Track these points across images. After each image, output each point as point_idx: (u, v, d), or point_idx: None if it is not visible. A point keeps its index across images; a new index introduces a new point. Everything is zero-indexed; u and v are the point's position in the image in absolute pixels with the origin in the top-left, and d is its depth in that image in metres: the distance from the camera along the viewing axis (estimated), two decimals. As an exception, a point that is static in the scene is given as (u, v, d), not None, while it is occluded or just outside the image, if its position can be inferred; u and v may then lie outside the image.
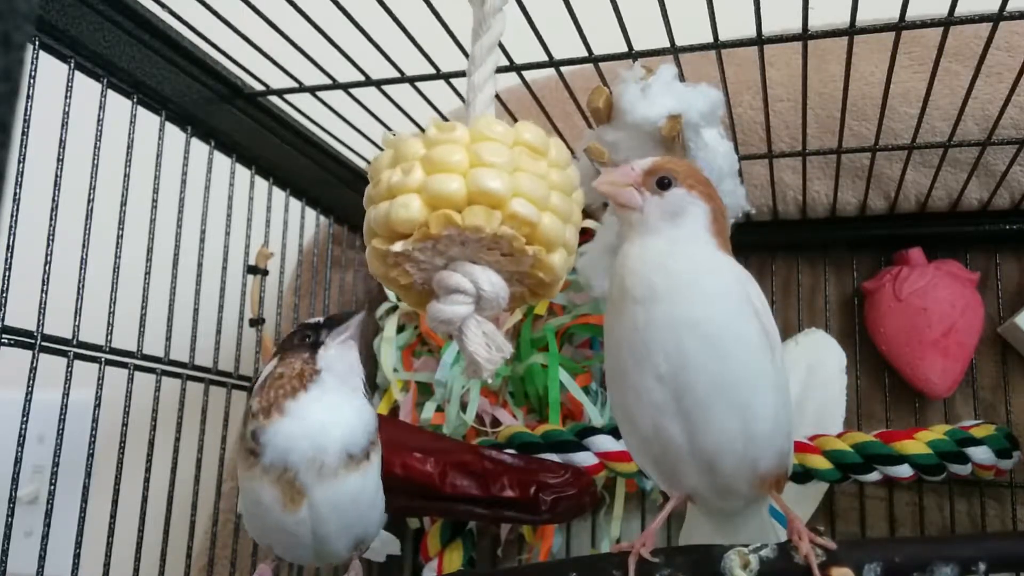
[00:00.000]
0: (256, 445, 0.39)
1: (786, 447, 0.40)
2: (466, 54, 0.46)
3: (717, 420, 0.37)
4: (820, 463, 0.55)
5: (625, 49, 0.47)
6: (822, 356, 0.63)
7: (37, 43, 0.41)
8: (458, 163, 0.34)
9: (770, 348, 0.38)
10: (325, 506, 0.40)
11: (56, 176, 0.43)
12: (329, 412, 0.40)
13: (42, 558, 0.42)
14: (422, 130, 0.37)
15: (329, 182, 0.63)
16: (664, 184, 0.40)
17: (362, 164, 0.64)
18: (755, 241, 0.68)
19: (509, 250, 0.35)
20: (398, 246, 0.34)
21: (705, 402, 0.37)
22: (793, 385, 0.63)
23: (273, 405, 0.40)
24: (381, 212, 0.35)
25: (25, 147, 0.39)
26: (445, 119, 0.55)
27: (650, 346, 0.37)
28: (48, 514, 0.42)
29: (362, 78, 0.51)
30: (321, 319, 0.44)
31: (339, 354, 0.42)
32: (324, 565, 0.44)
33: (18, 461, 0.40)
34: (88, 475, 0.45)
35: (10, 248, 0.39)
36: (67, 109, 0.43)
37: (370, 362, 0.71)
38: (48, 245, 0.42)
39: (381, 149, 0.37)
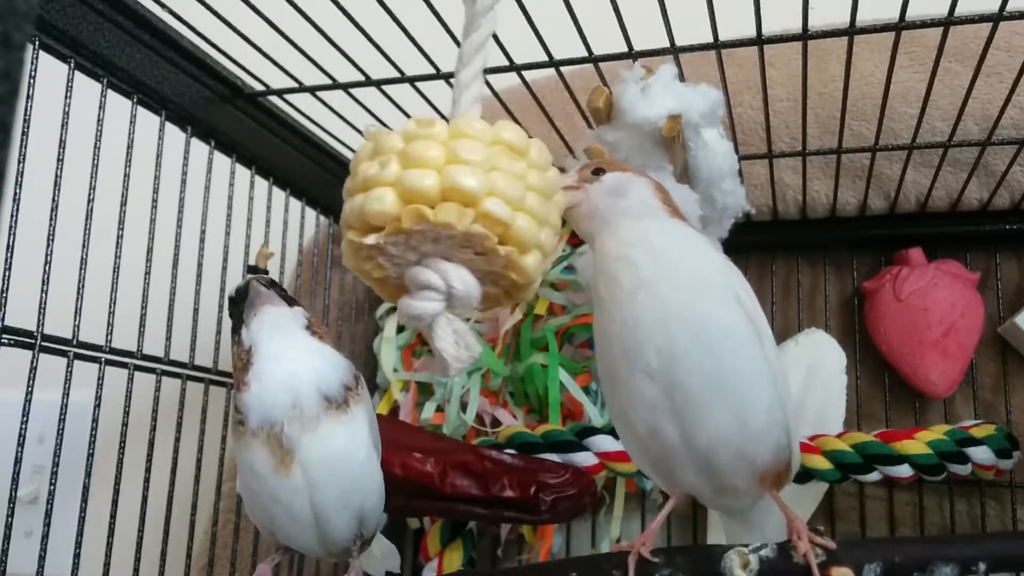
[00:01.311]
0: (241, 414, 0.40)
1: (784, 441, 0.39)
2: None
3: (710, 416, 0.37)
4: (820, 463, 0.55)
5: (625, 49, 0.47)
6: (822, 356, 0.63)
7: (37, 43, 0.41)
8: (434, 159, 0.34)
9: (759, 338, 0.38)
10: (315, 466, 0.39)
11: (56, 176, 0.43)
12: (289, 363, 0.40)
13: (42, 558, 0.42)
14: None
15: (329, 182, 0.63)
16: (598, 172, 0.41)
17: (362, 164, 0.64)
18: (755, 241, 0.68)
19: (481, 249, 0.34)
20: (371, 239, 0.34)
21: (697, 398, 0.37)
22: (793, 385, 0.63)
23: (239, 381, 0.41)
24: (356, 204, 0.35)
25: (25, 147, 0.39)
26: (445, 119, 0.55)
27: (639, 340, 0.37)
28: (48, 514, 0.42)
29: (362, 78, 0.51)
30: (234, 292, 0.43)
31: (260, 323, 0.42)
32: (328, 556, 0.43)
33: (18, 461, 0.40)
34: (88, 475, 0.45)
35: (10, 248, 0.39)
36: (67, 109, 0.43)
37: (370, 362, 0.71)
38: (48, 245, 0.42)
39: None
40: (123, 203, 0.47)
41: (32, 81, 0.41)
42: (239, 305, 0.42)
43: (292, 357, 0.41)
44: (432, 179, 0.33)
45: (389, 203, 0.33)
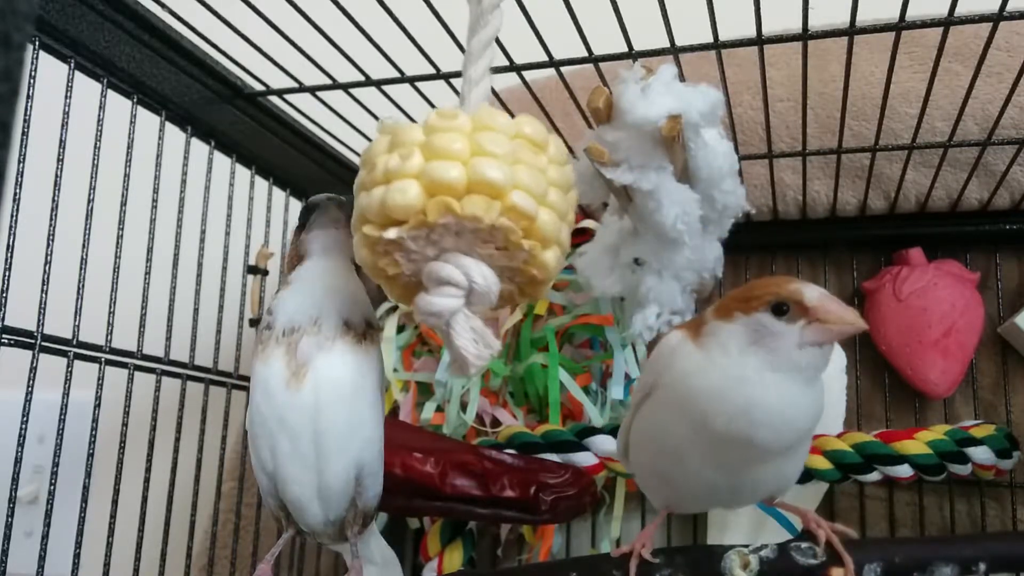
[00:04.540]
0: (271, 317, 0.42)
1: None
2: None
3: (761, 487, 0.39)
4: (820, 463, 0.55)
5: (625, 49, 0.47)
6: (822, 356, 0.63)
7: (37, 43, 0.41)
8: (459, 151, 0.33)
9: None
10: (326, 384, 0.39)
11: (56, 176, 0.43)
12: (323, 280, 0.42)
13: (42, 558, 0.42)
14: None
15: (329, 182, 0.63)
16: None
17: (362, 164, 0.64)
18: (755, 241, 0.68)
19: (504, 244, 0.34)
20: (391, 233, 0.33)
21: (757, 482, 0.38)
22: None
23: (285, 280, 0.44)
24: (376, 197, 0.34)
25: (25, 147, 0.39)
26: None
27: (718, 455, 0.37)
28: (48, 514, 0.42)
29: (362, 78, 0.51)
30: (309, 202, 0.46)
31: (317, 238, 0.44)
32: (327, 533, 0.42)
33: (18, 461, 0.40)
34: (88, 475, 0.45)
35: (10, 248, 0.39)
36: (67, 109, 0.43)
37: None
38: (48, 245, 0.42)
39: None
40: (123, 203, 0.47)
41: (32, 81, 0.41)
42: (311, 212, 0.45)
43: (328, 279, 0.42)
44: (458, 171, 0.33)
45: (413, 195, 0.33)
